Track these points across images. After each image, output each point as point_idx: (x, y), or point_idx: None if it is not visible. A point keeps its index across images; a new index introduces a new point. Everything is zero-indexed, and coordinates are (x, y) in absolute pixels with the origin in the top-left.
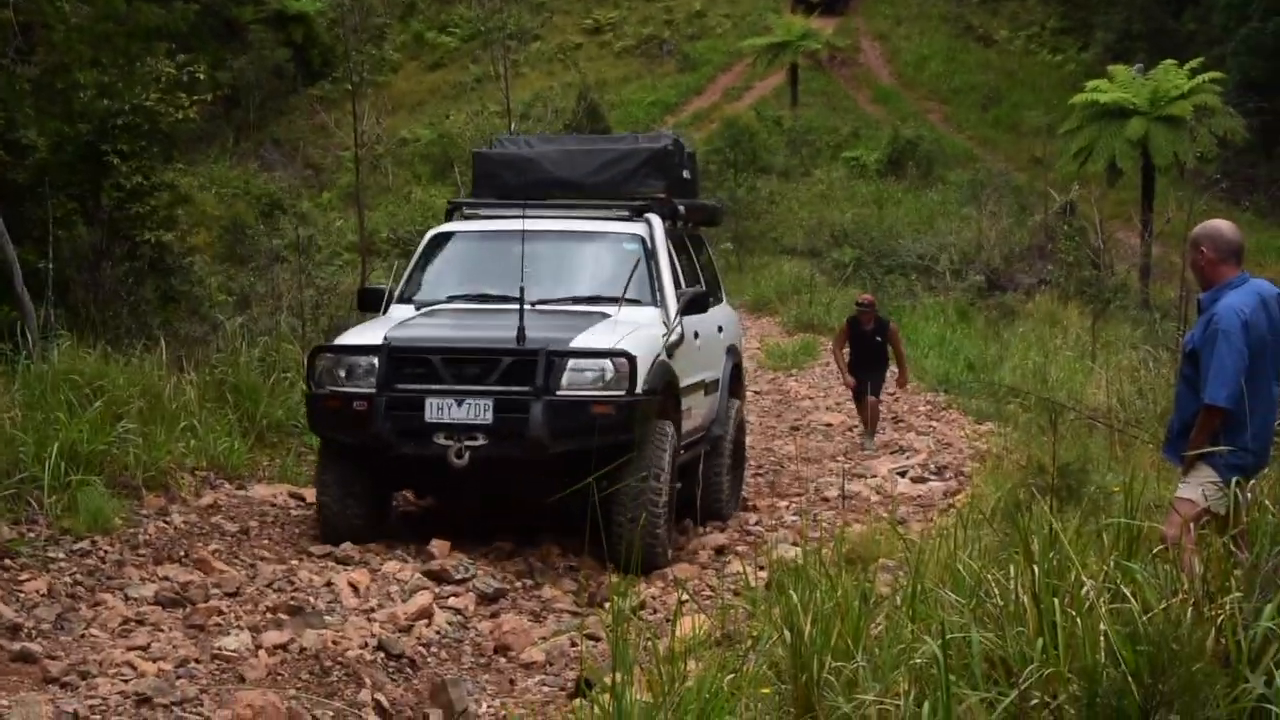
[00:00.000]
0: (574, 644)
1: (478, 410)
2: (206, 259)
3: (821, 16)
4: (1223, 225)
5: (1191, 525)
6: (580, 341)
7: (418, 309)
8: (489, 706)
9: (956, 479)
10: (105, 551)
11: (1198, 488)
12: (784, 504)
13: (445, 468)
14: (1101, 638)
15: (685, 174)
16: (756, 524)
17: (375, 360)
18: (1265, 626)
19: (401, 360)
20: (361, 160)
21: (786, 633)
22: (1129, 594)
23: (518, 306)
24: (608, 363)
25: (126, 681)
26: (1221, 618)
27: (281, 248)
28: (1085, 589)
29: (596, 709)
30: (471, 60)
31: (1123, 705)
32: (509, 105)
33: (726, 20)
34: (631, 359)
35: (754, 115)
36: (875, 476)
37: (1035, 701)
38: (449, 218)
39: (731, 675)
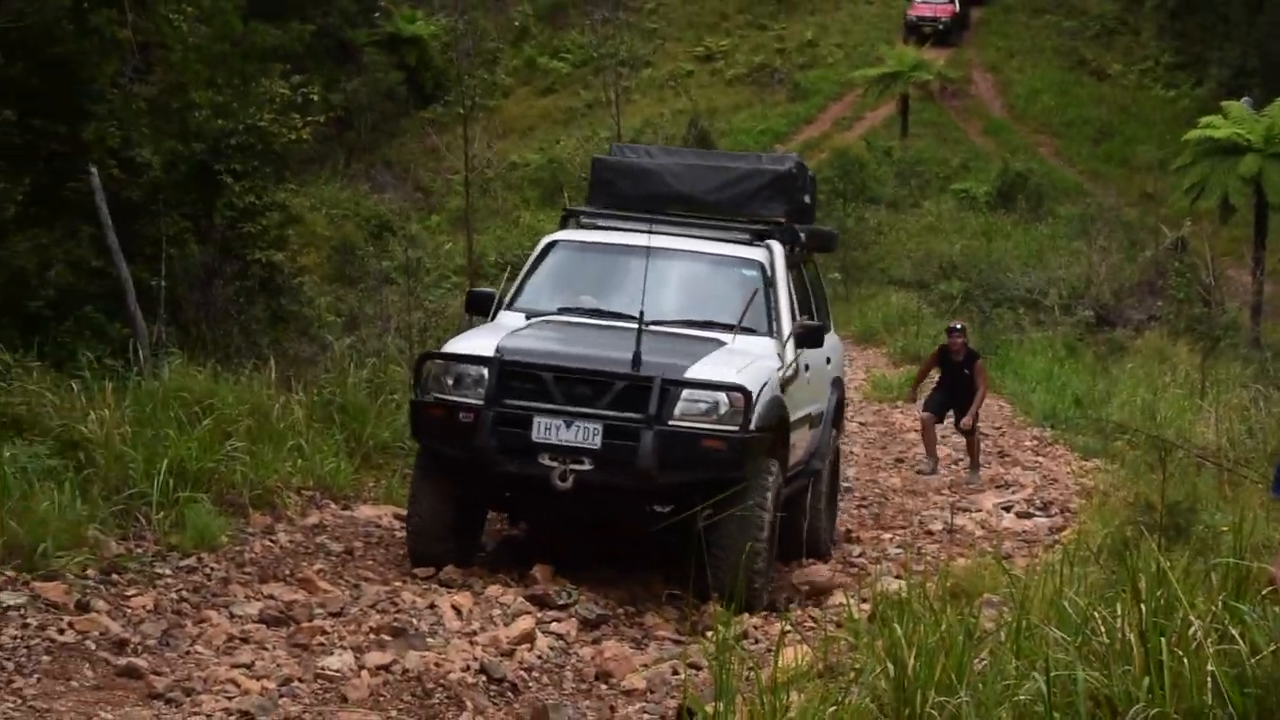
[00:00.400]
0: (676, 672)
1: (586, 434)
2: (316, 279)
3: (934, 48)
4: None
5: None
6: (696, 371)
7: (528, 318)
8: None
9: (1062, 515)
10: (211, 569)
11: None
12: (888, 536)
13: (547, 490)
14: (1209, 679)
15: (806, 198)
16: (859, 556)
17: (485, 372)
18: None
19: (512, 374)
20: (471, 184)
21: (890, 666)
22: (1237, 635)
23: (631, 325)
24: (723, 396)
25: (230, 699)
26: None
27: (390, 269)
28: (1193, 629)
29: None
30: (583, 86)
31: None
32: (619, 131)
33: (838, 50)
34: (748, 394)
35: (864, 145)
36: (980, 511)
37: None
38: (564, 225)
39: (834, 707)
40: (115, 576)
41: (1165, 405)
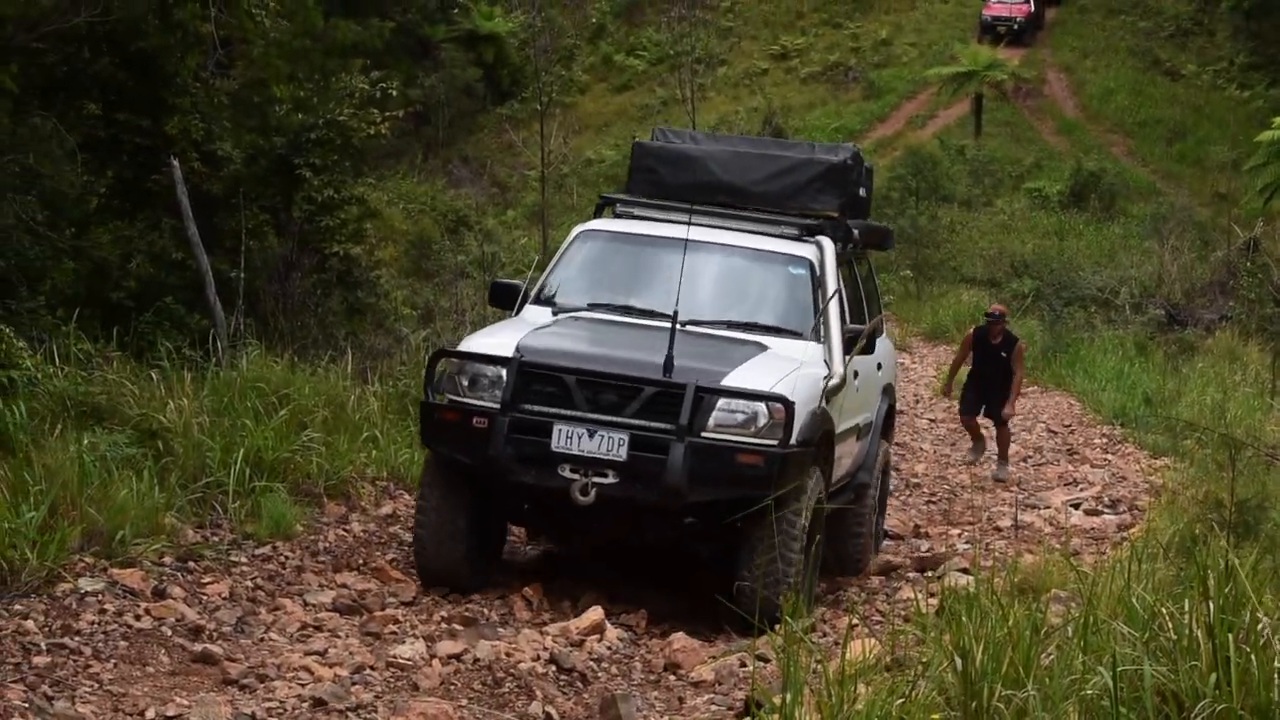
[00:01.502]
0: (743, 664)
1: (611, 444)
2: (392, 273)
3: (1008, 47)
4: None
5: None
6: (733, 379)
7: (555, 313)
8: None
9: (1131, 513)
10: (286, 557)
11: None
12: (956, 532)
13: (566, 504)
14: (1276, 675)
15: (861, 192)
16: (928, 551)
17: (503, 373)
18: None
19: (532, 377)
20: (547, 179)
21: (957, 659)
22: None
23: (665, 324)
24: (762, 407)
25: (303, 686)
26: None
27: (466, 264)
28: (1261, 626)
29: None
30: (658, 83)
31: None
32: (694, 128)
33: (913, 49)
34: (789, 405)
35: (937, 144)
36: (1048, 508)
37: None
38: (598, 214)
39: (901, 700)
40: (192, 564)
41: (1235, 404)
